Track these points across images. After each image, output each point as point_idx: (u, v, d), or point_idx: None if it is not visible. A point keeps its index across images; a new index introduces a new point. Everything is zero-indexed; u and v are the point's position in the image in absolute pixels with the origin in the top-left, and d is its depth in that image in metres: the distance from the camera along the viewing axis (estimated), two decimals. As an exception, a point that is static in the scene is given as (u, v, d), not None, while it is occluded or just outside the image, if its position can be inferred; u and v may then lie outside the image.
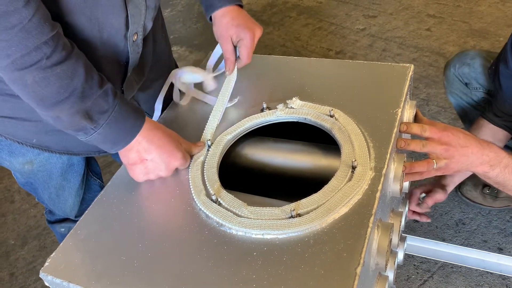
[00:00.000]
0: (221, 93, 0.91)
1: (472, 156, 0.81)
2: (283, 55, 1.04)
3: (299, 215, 0.67)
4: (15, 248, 1.67)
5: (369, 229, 0.63)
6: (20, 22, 0.59)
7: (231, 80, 0.92)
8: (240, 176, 0.89)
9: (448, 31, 2.33)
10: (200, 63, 1.07)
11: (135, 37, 0.81)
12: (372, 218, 0.64)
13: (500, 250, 1.38)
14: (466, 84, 1.35)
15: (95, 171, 1.17)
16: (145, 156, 0.76)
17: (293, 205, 0.68)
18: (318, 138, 0.86)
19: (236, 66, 0.93)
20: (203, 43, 2.56)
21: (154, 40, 0.95)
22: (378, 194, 0.67)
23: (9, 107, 0.80)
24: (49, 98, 0.65)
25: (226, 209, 0.71)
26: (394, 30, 2.41)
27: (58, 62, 0.63)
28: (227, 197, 0.72)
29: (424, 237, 1.41)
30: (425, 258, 1.38)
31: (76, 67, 0.66)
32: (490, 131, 1.20)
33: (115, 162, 1.86)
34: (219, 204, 0.72)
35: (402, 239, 1.03)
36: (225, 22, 0.89)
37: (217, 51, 0.99)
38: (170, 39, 2.63)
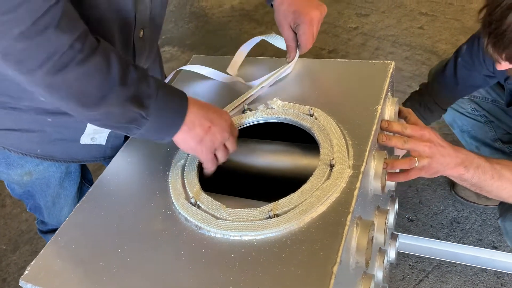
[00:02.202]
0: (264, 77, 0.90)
1: (448, 157, 0.81)
2: (275, 55, 1.03)
3: (276, 215, 0.66)
4: (7, 253, 1.66)
5: (346, 227, 0.62)
6: (53, 21, 0.56)
7: (285, 68, 0.91)
8: (222, 178, 0.89)
9: (440, 29, 2.33)
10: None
11: (141, 33, 0.81)
12: (349, 216, 0.63)
13: (494, 249, 1.37)
14: None
15: (88, 178, 1.17)
16: (207, 124, 0.71)
17: (270, 205, 0.68)
18: (300, 138, 0.86)
19: (298, 54, 0.91)
20: (195, 43, 2.56)
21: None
22: (356, 192, 0.66)
23: (12, 119, 0.81)
24: (94, 93, 0.62)
25: (205, 211, 0.70)
26: (386, 28, 2.41)
27: (92, 52, 0.61)
28: (206, 200, 0.72)
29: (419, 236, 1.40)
30: (420, 257, 1.37)
31: (109, 54, 0.63)
32: None
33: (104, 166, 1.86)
34: (198, 207, 0.71)
35: (394, 237, 1.02)
36: (283, 9, 0.88)
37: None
38: (162, 39, 2.64)
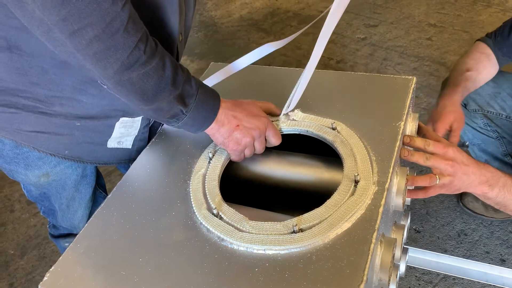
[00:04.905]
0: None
1: (472, 175, 0.81)
2: (283, 64, 1.03)
3: (301, 230, 0.66)
4: (15, 258, 1.66)
5: (372, 245, 0.62)
6: (122, 25, 0.63)
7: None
8: (242, 189, 0.89)
9: (449, 40, 2.33)
10: (204, 72, 1.06)
11: (180, 38, 0.85)
12: (375, 234, 0.63)
13: (502, 262, 1.37)
14: (464, 106, 1.34)
15: (101, 183, 1.17)
16: (235, 122, 0.78)
17: (295, 220, 0.68)
18: (321, 150, 0.86)
19: None
20: (204, 52, 2.57)
21: None
22: (381, 209, 0.66)
23: (42, 123, 0.83)
24: (150, 91, 0.70)
25: (227, 223, 0.70)
26: (395, 39, 2.41)
27: (152, 55, 0.68)
28: (228, 211, 0.72)
29: (426, 248, 1.40)
30: (427, 269, 1.37)
31: (164, 59, 0.70)
32: (490, 61, 1.24)
33: (116, 170, 1.86)
34: (220, 218, 0.71)
35: (404, 251, 1.02)
36: None
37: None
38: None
